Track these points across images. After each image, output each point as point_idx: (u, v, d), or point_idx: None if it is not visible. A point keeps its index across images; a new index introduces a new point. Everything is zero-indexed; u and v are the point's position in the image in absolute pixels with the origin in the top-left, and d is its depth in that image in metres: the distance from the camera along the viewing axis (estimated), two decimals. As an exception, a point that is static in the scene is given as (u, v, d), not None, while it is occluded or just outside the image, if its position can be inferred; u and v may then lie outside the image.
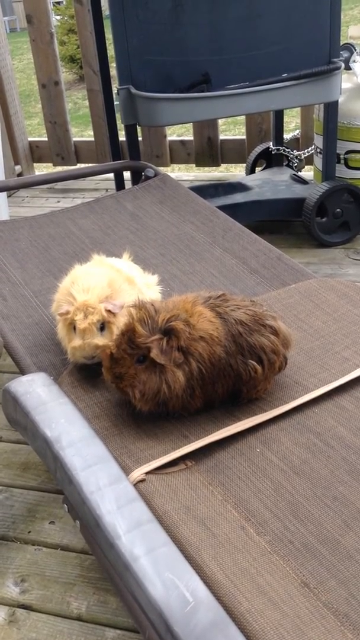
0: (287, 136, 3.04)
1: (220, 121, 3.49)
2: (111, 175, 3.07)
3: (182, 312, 1.06)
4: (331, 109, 2.38)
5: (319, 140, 2.61)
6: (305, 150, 2.95)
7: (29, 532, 1.45)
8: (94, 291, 1.17)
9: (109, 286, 1.20)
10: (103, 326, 1.16)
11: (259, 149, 3.04)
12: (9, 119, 3.39)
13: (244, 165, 3.21)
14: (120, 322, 1.16)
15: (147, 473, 1.00)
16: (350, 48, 2.50)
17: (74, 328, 1.16)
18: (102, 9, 2.50)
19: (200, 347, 1.05)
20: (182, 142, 3.37)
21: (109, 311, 1.16)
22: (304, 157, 2.96)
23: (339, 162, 2.57)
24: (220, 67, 2.23)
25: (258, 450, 1.06)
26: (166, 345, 1.02)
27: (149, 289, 1.34)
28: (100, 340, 1.15)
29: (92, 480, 0.94)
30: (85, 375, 1.21)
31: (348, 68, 2.50)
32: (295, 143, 3.14)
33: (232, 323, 1.09)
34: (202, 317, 1.07)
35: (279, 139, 2.94)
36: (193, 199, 1.97)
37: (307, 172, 3.01)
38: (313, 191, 2.49)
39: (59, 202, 3.25)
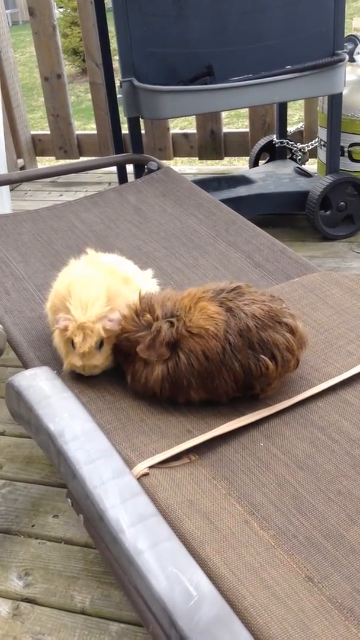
0: (290, 129, 3.03)
1: (223, 114, 3.47)
2: (114, 168, 3.06)
3: (180, 309, 1.10)
4: (335, 101, 2.37)
5: (322, 133, 2.60)
6: (309, 143, 2.93)
7: (33, 525, 1.45)
8: (93, 309, 1.14)
9: (106, 296, 1.17)
10: (101, 343, 1.15)
11: (262, 141, 3.03)
12: (12, 112, 3.38)
13: (248, 158, 3.20)
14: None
15: (150, 467, 1.00)
16: (354, 40, 2.48)
17: (72, 343, 1.15)
18: (105, 1, 2.49)
19: (193, 342, 1.08)
20: (185, 135, 3.36)
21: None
22: (308, 150, 2.95)
23: (342, 154, 2.55)
24: (224, 59, 2.21)
25: (262, 444, 1.05)
26: (153, 341, 1.09)
27: (145, 283, 1.33)
28: (98, 360, 1.16)
29: (96, 474, 0.94)
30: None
31: (352, 60, 2.48)
32: (299, 136, 3.13)
33: (242, 317, 1.08)
34: (202, 312, 1.10)
35: (282, 132, 2.93)
36: (196, 192, 1.96)
37: (311, 165, 2.99)
38: (317, 184, 2.48)
39: (61, 195, 3.24)
